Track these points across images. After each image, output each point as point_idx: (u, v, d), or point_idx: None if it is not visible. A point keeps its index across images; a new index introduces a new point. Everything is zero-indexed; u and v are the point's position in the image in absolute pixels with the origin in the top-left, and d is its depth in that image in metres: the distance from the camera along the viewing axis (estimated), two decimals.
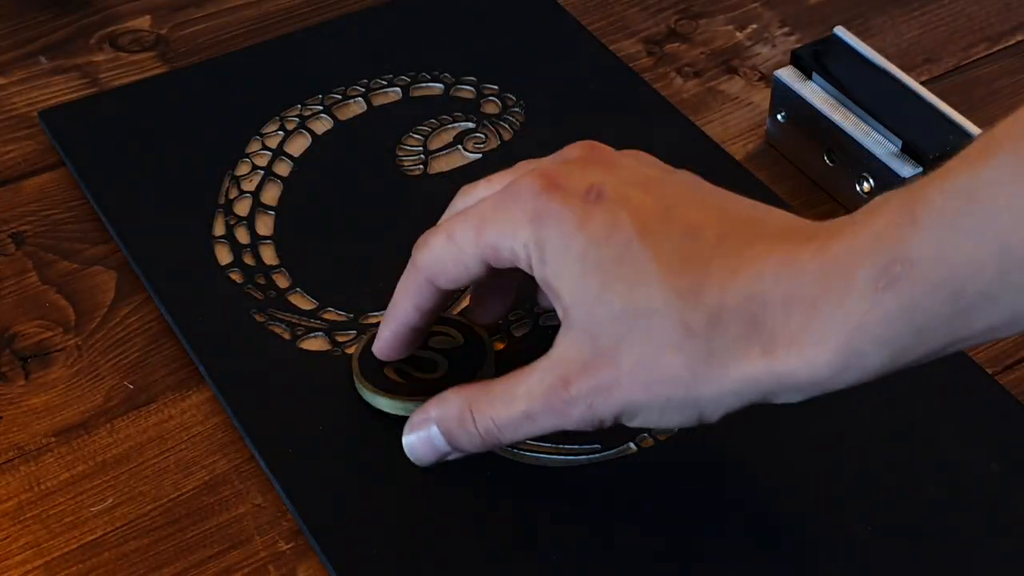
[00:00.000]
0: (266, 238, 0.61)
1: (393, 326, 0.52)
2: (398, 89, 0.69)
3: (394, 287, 0.59)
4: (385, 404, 0.53)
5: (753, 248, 0.43)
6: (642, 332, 0.44)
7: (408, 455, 0.51)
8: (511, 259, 0.47)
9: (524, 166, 0.50)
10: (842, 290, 0.41)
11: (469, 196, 0.51)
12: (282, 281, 0.59)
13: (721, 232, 0.44)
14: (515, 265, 0.47)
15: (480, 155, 0.65)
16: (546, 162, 0.49)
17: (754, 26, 0.74)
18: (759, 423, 0.54)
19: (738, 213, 0.45)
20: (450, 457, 0.50)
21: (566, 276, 0.45)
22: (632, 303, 0.44)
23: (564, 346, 0.46)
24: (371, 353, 0.54)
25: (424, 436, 0.50)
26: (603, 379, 0.45)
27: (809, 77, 0.65)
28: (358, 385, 0.54)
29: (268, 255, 0.61)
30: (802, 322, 0.41)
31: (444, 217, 0.52)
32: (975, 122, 0.61)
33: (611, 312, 0.44)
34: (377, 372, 0.54)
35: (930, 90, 0.63)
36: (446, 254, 0.48)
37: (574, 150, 0.49)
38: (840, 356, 0.41)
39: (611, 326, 0.44)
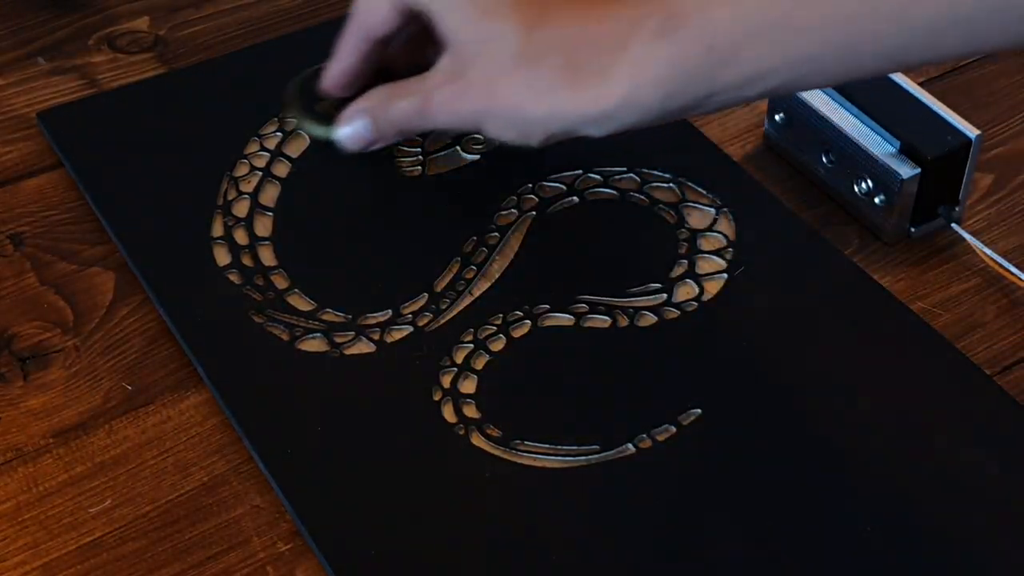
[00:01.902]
0: (264, 239, 0.61)
1: (336, 66, 0.60)
2: None
3: (393, 288, 0.59)
4: (320, 131, 0.61)
5: (582, 2, 0.51)
6: (487, 56, 0.53)
7: (341, 143, 0.59)
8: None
9: None
10: (631, 38, 0.49)
11: None
12: (280, 282, 0.59)
13: None
14: (408, 4, 0.56)
15: (478, 156, 0.65)
16: None
17: None
18: (757, 424, 0.54)
19: None
20: (375, 146, 0.58)
21: (439, 5, 0.54)
22: (482, 31, 0.53)
23: (441, 61, 0.55)
24: (304, 96, 0.62)
25: (355, 128, 0.58)
26: (457, 89, 0.54)
27: None
28: (298, 119, 0.63)
29: (266, 256, 0.61)
30: (602, 64, 0.50)
31: None
32: (973, 123, 0.61)
33: (467, 38, 0.53)
34: (312, 108, 0.62)
35: (928, 91, 0.63)
36: (367, 7, 0.58)
37: None
38: (624, 93, 0.50)
39: (470, 48, 0.53)
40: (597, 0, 0.51)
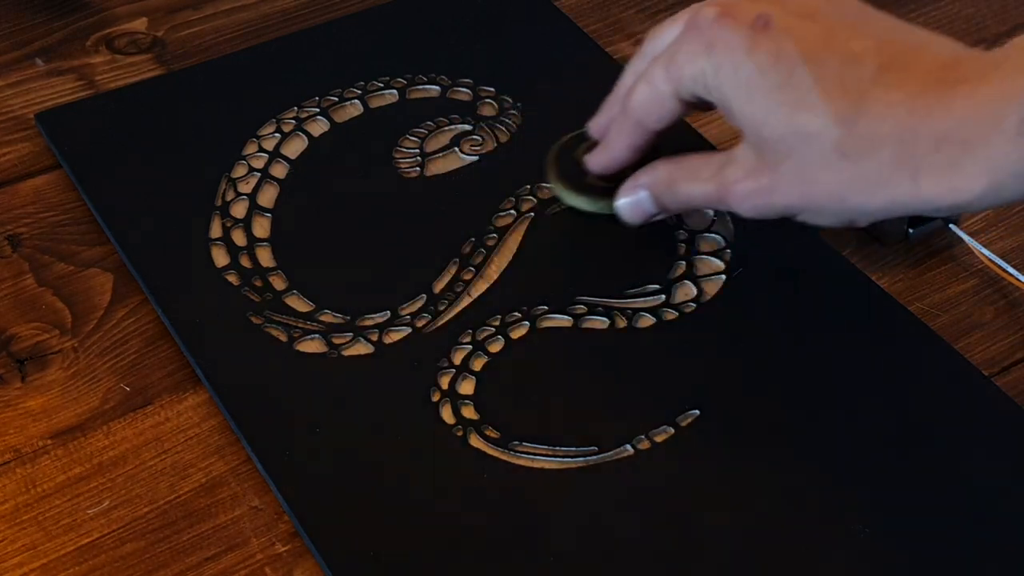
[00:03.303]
0: (263, 240, 0.61)
1: (608, 158, 0.58)
2: (395, 91, 0.69)
3: (391, 289, 0.59)
4: (586, 203, 0.60)
5: (909, 83, 0.48)
6: (801, 151, 0.50)
7: (620, 215, 0.58)
8: (693, 88, 0.53)
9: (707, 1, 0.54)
10: (990, 132, 0.46)
11: (659, 37, 0.57)
12: (279, 283, 0.59)
13: (880, 63, 0.49)
14: (698, 94, 0.53)
15: (477, 157, 0.65)
16: None
17: None
18: (756, 425, 0.55)
19: (898, 43, 0.50)
20: (656, 217, 0.58)
21: (736, 99, 0.51)
22: (793, 126, 0.49)
23: (740, 150, 0.52)
24: (566, 162, 0.61)
25: (635, 200, 0.57)
26: (765, 184, 0.51)
27: None
28: (560, 190, 0.61)
29: (265, 257, 0.61)
30: (951, 158, 0.47)
31: (635, 60, 0.58)
32: None
33: (774, 133, 0.50)
34: (575, 177, 0.61)
35: None
36: (649, 97, 0.55)
37: None
38: (983, 188, 0.47)
39: (774, 144, 0.50)
40: (917, 84, 0.48)
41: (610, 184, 0.59)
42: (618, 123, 0.58)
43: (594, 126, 0.60)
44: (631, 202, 0.57)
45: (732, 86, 0.51)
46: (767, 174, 0.51)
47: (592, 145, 0.60)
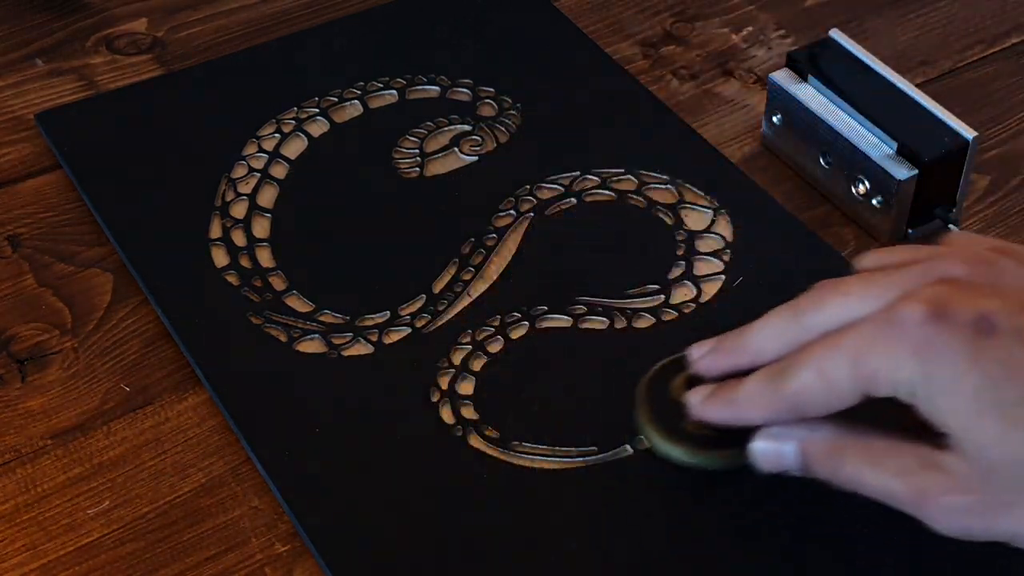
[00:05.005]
0: (262, 240, 0.61)
1: (734, 418, 0.49)
2: (394, 91, 0.69)
3: (391, 289, 0.59)
4: (684, 455, 0.52)
5: None
6: None
7: (752, 457, 0.49)
8: (890, 393, 0.45)
9: (898, 279, 0.46)
10: None
11: (828, 308, 0.47)
12: (278, 283, 0.59)
13: None
14: (893, 395, 0.45)
15: (476, 158, 0.66)
16: (922, 277, 0.46)
17: (750, 28, 0.75)
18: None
19: None
20: (790, 473, 0.49)
21: (957, 414, 0.43)
22: (1021, 447, 0.42)
23: (952, 460, 0.44)
24: (660, 398, 0.53)
25: (777, 448, 0.48)
26: (980, 503, 0.44)
27: (804, 80, 0.65)
28: (654, 435, 0.52)
29: (264, 257, 0.61)
30: None
31: (787, 318, 0.49)
32: (970, 125, 0.61)
33: (1009, 457, 0.43)
34: (670, 418, 0.52)
35: (926, 92, 0.63)
36: (817, 389, 0.46)
37: (953, 263, 0.46)
38: None
39: (1011, 469, 0.43)
40: None
41: (716, 433, 0.50)
42: (764, 395, 0.48)
43: (704, 364, 0.50)
44: (771, 450, 0.48)
45: (952, 400, 0.43)
46: (983, 494, 0.44)
47: (691, 379, 0.51)
